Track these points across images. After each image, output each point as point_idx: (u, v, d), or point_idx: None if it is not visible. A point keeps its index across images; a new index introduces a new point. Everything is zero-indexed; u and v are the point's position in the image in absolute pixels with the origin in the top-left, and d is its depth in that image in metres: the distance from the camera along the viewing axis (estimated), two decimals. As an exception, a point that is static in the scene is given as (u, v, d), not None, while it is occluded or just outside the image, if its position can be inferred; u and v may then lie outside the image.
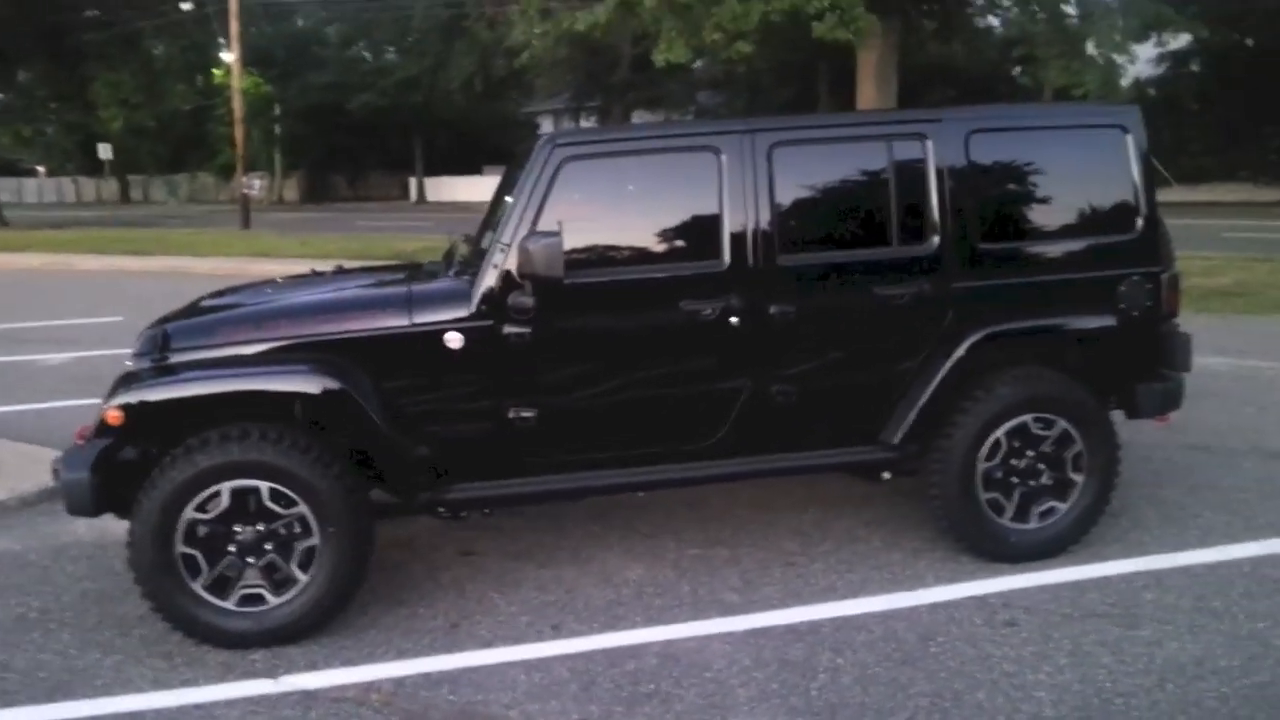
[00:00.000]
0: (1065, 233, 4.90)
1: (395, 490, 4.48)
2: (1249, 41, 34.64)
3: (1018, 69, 37.48)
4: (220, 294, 5.32)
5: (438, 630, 4.34)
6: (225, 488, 4.04)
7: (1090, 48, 20.99)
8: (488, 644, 4.20)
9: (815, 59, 32.78)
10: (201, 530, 4.05)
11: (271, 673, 3.99)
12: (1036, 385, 4.72)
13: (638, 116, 43.25)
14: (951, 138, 4.73)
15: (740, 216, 4.53)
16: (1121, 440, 4.93)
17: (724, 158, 4.55)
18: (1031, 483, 4.79)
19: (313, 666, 4.04)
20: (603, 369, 4.54)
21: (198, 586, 4.08)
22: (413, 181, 55.54)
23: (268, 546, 4.12)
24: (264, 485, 4.07)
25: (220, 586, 4.11)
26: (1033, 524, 4.81)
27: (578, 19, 20.19)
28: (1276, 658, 3.91)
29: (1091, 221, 4.92)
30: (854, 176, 4.77)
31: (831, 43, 18.41)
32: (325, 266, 6.13)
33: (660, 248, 4.63)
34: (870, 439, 4.78)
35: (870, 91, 21.26)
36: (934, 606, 4.42)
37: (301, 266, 12.75)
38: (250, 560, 4.12)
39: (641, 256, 4.61)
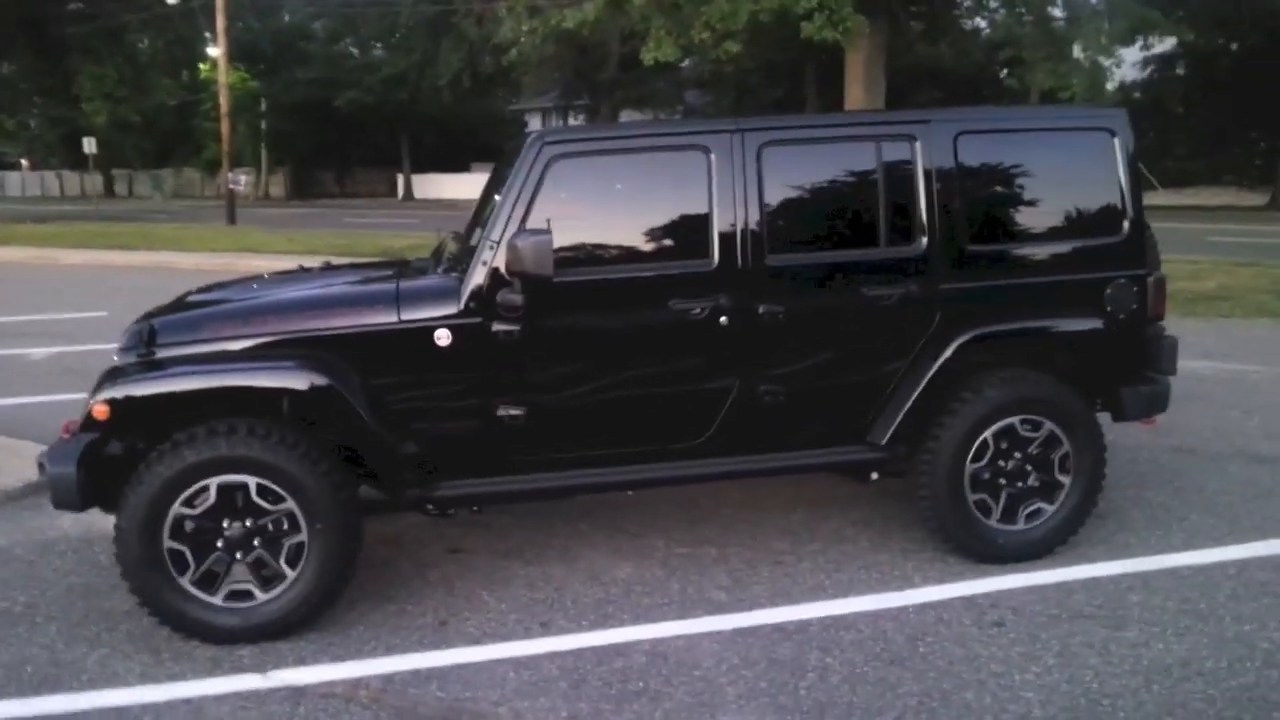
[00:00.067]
0: (1052, 235, 4.92)
1: (383, 487, 4.47)
2: (1234, 45, 34.83)
3: (1004, 71, 37.59)
4: (207, 289, 5.30)
5: (426, 627, 4.33)
6: (213, 483, 4.03)
7: (1076, 50, 21.10)
8: (476, 641, 4.20)
9: (803, 59, 32.86)
10: (189, 525, 4.04)
11: (260, 668, 3.98)
12: (1024, 387, 4.74)
13: (625, 115, 43.23)
14: (940, 139, 4.74)
15: (729, 216, 4.53)
16: (1108, 443, 4.95)
17: (713, 157, 4.55)
18: (1019, 484, 4.81)
19: (301, 662, 4.03)
20: (591, 367, 4.54)
21: (185, 582, 4.07)
22: (400, 178, 55.48)
23: (255, 542, 4.11)
24: (252, 481, 4.06)
25: (208, 582, 4.10)
26: (1020, 525, 4.83)
27: (566, 16, 20.19)
28: (1262, 660, 3.93)
29: (1078, 224, 4.94)
30: (843, 177, 4.78)
31: (820, 43, 18.44)
32: (313, 263, 6.12)
33: (649, 246, 4.63)
34: (858, 439, 4.79)
35: (858, 92, 21.30)
36: (922, 607, 4.43)
37: (288, 263, 12.71)
38: (238, 556, 4.11)
39: (630, 255, 4.61)
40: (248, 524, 4.09)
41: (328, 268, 5.64)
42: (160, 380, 4.13)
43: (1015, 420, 4.73)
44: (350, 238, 24.08)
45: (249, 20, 54.68)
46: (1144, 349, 5.03)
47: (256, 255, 19.87)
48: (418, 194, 54.14)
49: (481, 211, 4.96)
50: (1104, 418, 5.05)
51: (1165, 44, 30.78)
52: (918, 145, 4.72)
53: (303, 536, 4.13)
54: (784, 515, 5.55)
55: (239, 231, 27.40)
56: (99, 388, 4.16)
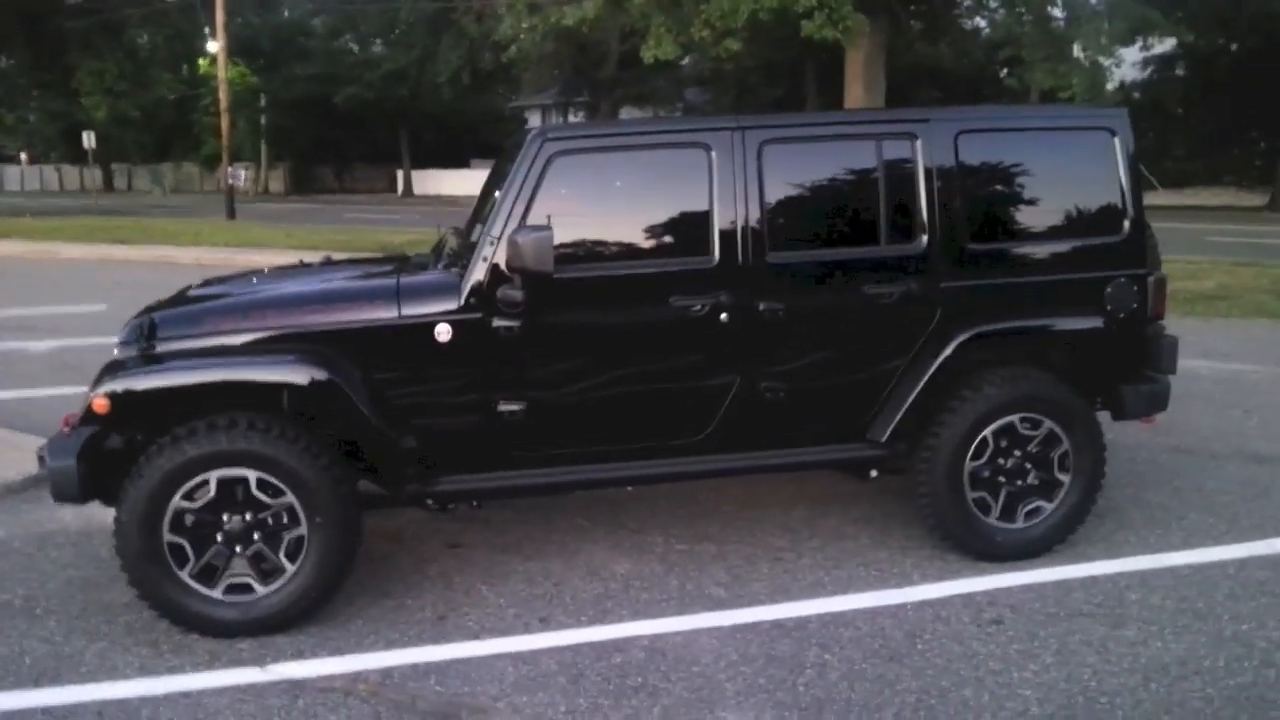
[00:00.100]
0: (1053, 234, 4.92)
1: (383, 482, 4.47)
2: (1233, 46, 34.84)
3: (1004, 71, 37.61)
4: (207, 284, 5.30)
5: (425, 621, 4.34)
6: (213, 477, 4.03)
7: (1076, 50, 21.10)
8: (475, 636, 4.20)
9: (803, 58, 32.83)
10: (189, 519, 4.04)
11: (259, 661, 3.98)
12: (1024, 385, 4.75)
13: (625, 113, 43.18)
14: (940, 138, 4.74)
15: (730, 213, 4.54)
16: (1107, 441, 4.96)
17: (714, 154, 4.55)
18: (1018, 482, 4.81)
19: (300, 656, 4.03)
20: (592, 363, 4.54)
21: (185, 575, 4.07)
22: (399, 174, 55.42)
23: (255, 536, 4.11)
24: (252, 474, 4.06)
25: (207, 575, 4.10)
26: (1019, 523, 4.83)
27: (566, 14, 20.19)
28: (1260, 659, 3.94)
29: (1079, 223, 4.94)
30: (843, 175, 4.78)
31: (820, 41, 18.43)
32: (313, 258, 6.12)
33: (650, 243, 4.63)
34: (858, 437, 4.80)
35: (858, 91, 21.29)
36: (921, 604, 4.44)
37: (287, 258, 12.70)
38: (237, 549, 4.11)
39: (631, 252, 4.61)
40: (247, 518, 4.10)
41: (328, 263, 5.63)
42: (160, 374, 4.13)
43: (1015, 418, 4.74)
44: (350, 233, 24.08)
45: (249, 15, 54.71)
46: (1144, 348, 5.04)
47: (256, 250, 19.87)
48: (417, 190, 54.10)
49: (482, 207, 4.96)
50: (1104, 416, 5.06)
51: (1165, 44, 30.80)
52: (918, 144, 4.72)
53: (302, 530, 4.13)
54: (783, 512, 5.56)
55: (238, 226, 27.41)
56: (99, 381, 4.15)
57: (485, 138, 52.82)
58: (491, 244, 4.36)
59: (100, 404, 4.04)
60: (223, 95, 33.02)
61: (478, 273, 4.37)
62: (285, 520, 4.12)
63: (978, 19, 29.52)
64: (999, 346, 4.86)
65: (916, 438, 4.75)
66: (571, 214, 4.44)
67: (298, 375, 4.12)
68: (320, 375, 4.12)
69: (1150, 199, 5.26)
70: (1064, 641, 4.09)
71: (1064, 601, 4.45)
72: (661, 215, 4.64)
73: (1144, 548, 5.03)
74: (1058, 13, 21.93)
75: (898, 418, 4.69)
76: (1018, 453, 4.79)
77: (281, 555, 4.14)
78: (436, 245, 5.43)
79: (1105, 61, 20.76)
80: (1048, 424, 4.78)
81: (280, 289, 4.73)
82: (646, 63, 20.67)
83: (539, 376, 4.46)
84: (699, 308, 4.50)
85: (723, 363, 4.59)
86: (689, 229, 4.59)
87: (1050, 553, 4.88)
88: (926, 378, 4.67)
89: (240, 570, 4.13)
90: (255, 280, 5.19)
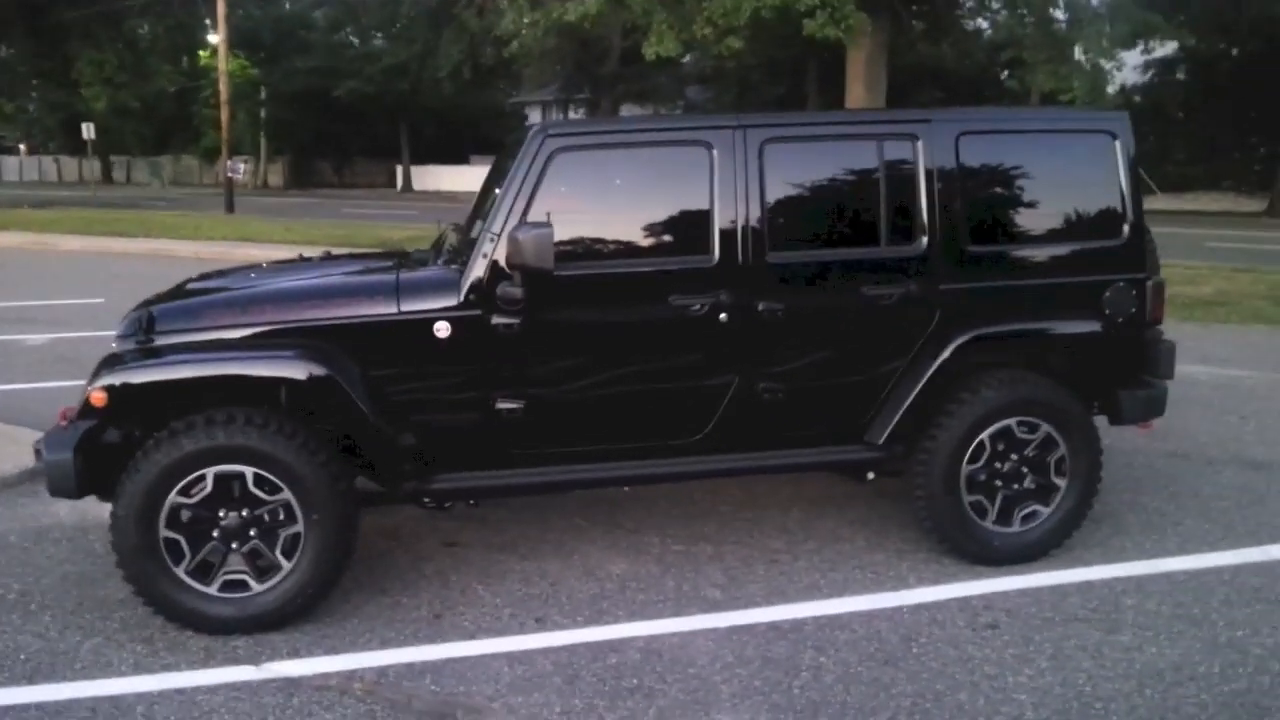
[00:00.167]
0: (1053, 237, 4.92)
1: (380, 479, 4.46)
2: (1234, 51, 34.83)
3: (1005, 72, 37.58)
4: (206, 277, 5.29)
5: (421, 620, 4.33)
6: (210, 472, 4.02)
7: (1078, 53, 21.08)
8: (471, 635, 4.20)
9: (805, 56, 32.80)
10: (185, 515, 4.03)
11: (254, 659, 3.98)
12: (1022, 389, 4.75)
13: (626, 110, 43.14)
14: (942, 139, 4.74)
15: (730, 212, 4.53)
16: (1104, 446, 4.96)
17: (715, 153, 4.54)
18: (1015, 486, 4.81)
19: (295, 654, 4.03)
20: (591, 362, 4.53)
21: (180, 571, 4.07)
22: (399, 169, 55.35)
23: (252, 532, 4.11)
24: (249, 471, 4.05)
25: (203, 571, 4.10)
26: (1015, 527, 4.83)
27: (567, 9, 20.13)
28: (1255, 665, 3.94)
29: (1079, 226, 4.94)
30: (844, 175, 4.77)
31: (821, 40, 18.41)
32: (312, 252, 6.11)
33: (650, 242, 4.63)
34: (856, 439, 4.79)
35: (859, 90, 21.27)
36: (916, 607, 4.43)
37: (286, 252, 12.71)
38: (234, 546, 4.10)
39: (631, 250, 4.61)
40: (244, 514, 4.09)
41: (327, 258, 5.63)
42: (158, 368, 4.12)
43: (1012, 422, 4.74)
44: (349, 228, 24.06)
45: (250, 8, 54.59)
46: (1142, 353, 5.03)
47: (254, 244, 19.87)
48: (416, 185, 54.04)
49: (482, 204, 4.95)
50: (1101, 421, 5.05)
51: (1166, 48, 30.73)
52: (919, 145, 4.71)
53: (299, 527, 4.12)
54: (780, 514, 5.56)
55: (237, 220, 27.38)
56: (97, 374, 4.15)
57: (485, 133, 52.79)
58: (492, 240, 4.35)
59: (98, 397, 4.03)
60: (223, 87, 32.95)
61: (478, 269, 4.36)
62: (282, 517, 4.12)
63: (980, 20, 29.53)
64: (997, 349, 4.86)
65: (914, 440, 4.75)
66: (572, 211, 4.43)
67: (296, 370, 4.12)
68: (318, 371, 4.11)
69: (1149, 203, 5.26)
70: (1059, 646, 4.09)
71: (1060, 606, 4.44)
72: (662, 213, 4.63)
73: (1140, 553, 5.03)
74: (1060, 15, 21.93)
75: (895, 420, 4.69)
76: (1014, 456, 4.79)
77: (278, 552, 4.14)
78: (436, 241, 5.43)
79: (1106, 64, 20.75)
80: (1045, 428, 4.77)
81: (279, 283, 4.71)
82: (648, 59, 20.64)
83: (538, 374, 4.46)
84: (698, 307, 4.49)
85: (721, 363, 4.58)
86: (689, 227, 4.58)
87: (1046, 557, 4.87)
88: (925, 380, 4.67)
89: (236, 567, 4.12)
90: (254, 274, 5.18)
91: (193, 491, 4.03)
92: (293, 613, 4.18)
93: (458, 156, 52.91)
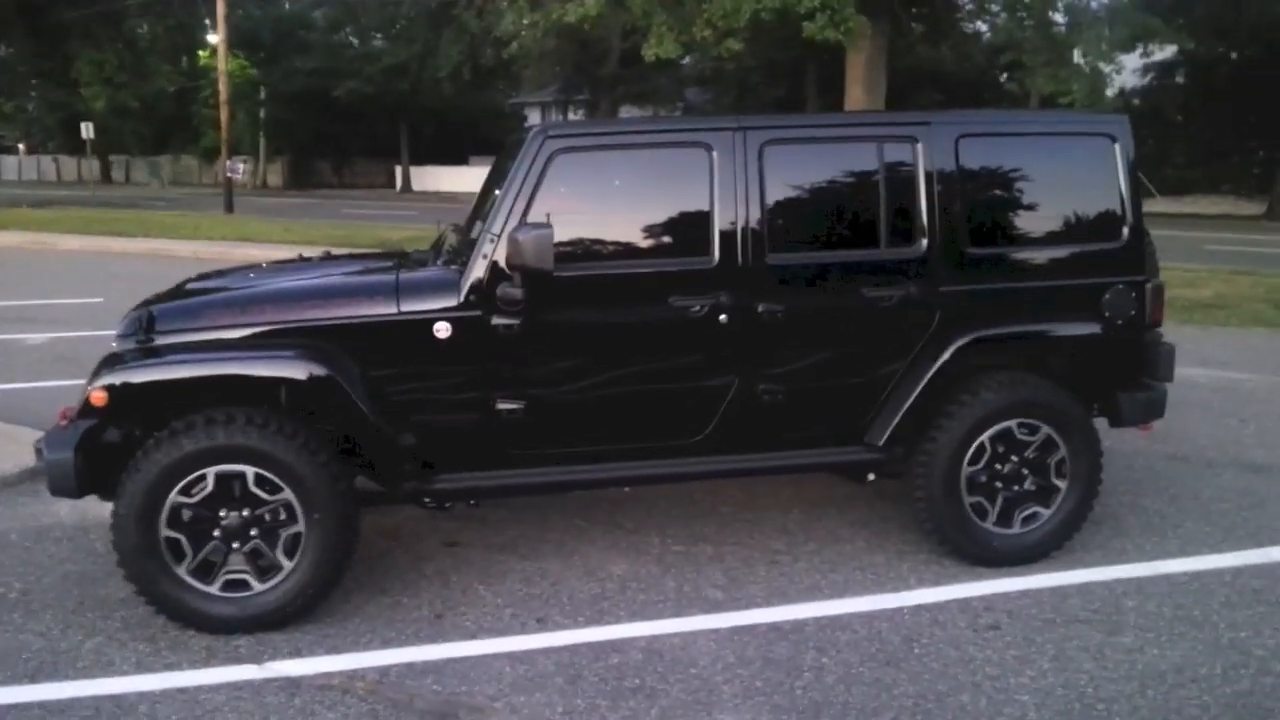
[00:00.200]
0: (1052, 239, 4.92)
1: (381, 479, 4.47)
2: (1234, 55, 34.87)
3: (1005, 75, 37.63)
4: (206, 277, 5.29)
5: (422, 620, 4.34)
6: (210, 472, 4.02)
7: (1077, 56, 21.12)
8: (472, 635, 4.20)
9: (804, 58, 32.82)
10: (186, 514, 4.04)
11: (256, 658, 3.98)
12: (1022, 391, 4.75)
13: (625, 111, 43.16)
14: (941, 141, 4.74)
15: (730, 214, 4.53)
16: (1104, 448, 4.97)
17: (715, 154, 4.55)
18: (1015, 488, 4.82)
19: (297, 653, 4.03)
20: (590, 363, 4.53)
21: (182, 571, 4.07)
22: (398, 170, 55.33)
23: (252, 532, 4.11)
24: (249, 470, 4.05)
25: (204, 571, 4.10)
26: (1016, 529, 4.84)
27: (567, 11, 20.13)
28: (1257, 667, 3.94)
29: (1078, 229, 4.95)
30: (844, 177, 4.78)
31: (821, 43, 18.43)
32: (311, 252, 6.12)
33: (650, 243, 4.64)
34: (856, 440, 4.80)
35: (859, 93, 21.30)
36: (917, 608, 4.44)
37: (285, 252, 12.70)
38: (235, 545, 4.10)
39: (631, 251, 4.61)
40: (245, 514, 4.09)
41: (327, 258, 5.63)
42: (158, 367, 4.12)
43: (1013, 424, 4.74)
44: (348, 228, 24.06)
45: (249, 8, 54.56)
46: (1141, 355, 5.04)
47: (254, 244, 19.87)
48: (416, 186, 54.02)
49: (482, 204, 4.96)
50: (1101, 423, 5.06)
51: (1165, 52, 30.80)
52: (919, 147, 4.72)
53: (300, 527, 4.12)
54: (781, 515, 5.56)
55: (237, 220, 27.37)
56: (97, 374, 4.15)
57: (485, 134, 52.74)
58: (492, 241, 4.36)
59: (98, 397, 4.03)
60: (222, 87, 32.92)
61: (477, 270, 4.36)
62: (283, 517, 4.12)
63: (979, 23, 29.60)
64: (997, 351, 4.86)
65: (914, 442, 4.75)
66: (572, 212, 4.44)
67: (296, 370, 4.12)
68: (319, 371, 4.11)
69: (1148, 207, 5.27)
70: (1061, 648, 4.09)
71: (1061, 608, 4.45)
72: (662, 215, 4.64)
73: (1140, 555, 5.04)
74: (1059, 18, 21.97)
75: (895, 421, 4.70)
76: (1015, 458, 4.79)
77: (279, 552, 4.14)
78: (436, 242, 5.43)
79: (1106, 68, 20.81)
80: (1045, 430, 4.78)
81: (279, 284, 4.72)
82: (647, 61, 20.65)
83: (538, 375, 4.46)
84: (698, 308, 4.50)
85: (721, 364, 4.59)
86: (689, 229, 4.58)
87: (1047, 559, 4.88)
88: (924, 382, 4.67)
89: (237, 566, 4.12)
90: (254, 274, 5.18)
91: (193, 491, 4.03)
92: (294, 612, 4.18)
93: (457, 157, 52.89)
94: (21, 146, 70.44)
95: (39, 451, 4.22)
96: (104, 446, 4.18)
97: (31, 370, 8.98)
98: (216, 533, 4.08)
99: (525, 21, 22.11)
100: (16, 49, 40.32)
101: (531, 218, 4.32)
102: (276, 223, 25.81)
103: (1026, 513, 4.84)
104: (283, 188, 56.21)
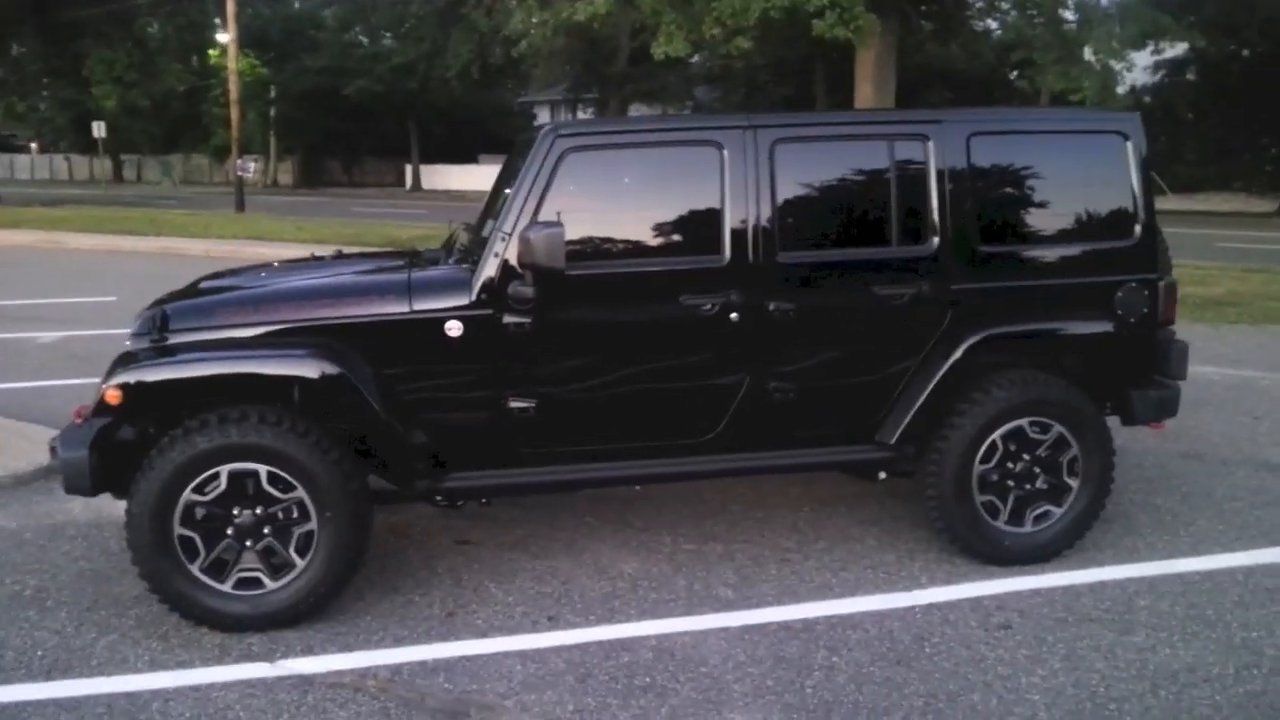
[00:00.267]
0: (1064, 237, 4.91)
1: (393, 477, 4.48)
2: (1245, 52, 34.74)
3: (1015, 73, 37.50)
4: (219, 276, 5.31)
5: (434, 618, 4.35)
6: (224, 470, 4.04)
7: (1088, 54, 21.05)
8: (484, 634, 4.21)
9: (813, 56, 32.79)
10: (199, 512, 4.06)
11: (268, 656, 3.99)
12: (1034, 389, 4.74)
13: (634, 109, 43.15)
14: (953, 139, 4.74)
15: (741, 212, 4.53)
16: (1116, 446, 4.95)
17: (726, 153, 4.55)
18: (1027, 486, 4.81)
19: (309, 651, 4.04)
20: (602, 361, 4.54)
21: (195, 569, 4.08)
22: (408, 168, 55.39)
23: (265, 530, 4.12)
24: (262, 469, 4.07)
25: (217, 569, 4.12)
26: (1027, 528, 4.83)
27: (576, 9, 20.14)
28: (1269, 666, 3.93)
29: (1090, 227, 4.94)
30: (855, 175, 4.77)
31: (830, 41, 18.41)
32: (322, 251, 6.13)
33: (661, 241, 4.64)
34: (867, 438, 4.79)
35: (868, 91, 21.27)
36: (929, 607, 4.43)
37: (297, 251, 12.73)
38: (248, 544, 4.12)
39: (642, 250, 4.61)
40: (258, 512, 4.11)
41: (339, 257, 5.64)
42: (172, 366, 4.13)
43: (1024, 422, 4.73)
44: (358, 227, 24.10)
45: (259, 7, 54.66)
46: (1154, 353, 5.03)
47: (265, 243, 19.92)
48: (425, 185, 54.06)
49: (493, 203, 4.97)
50: (1113, 421, 5.05)
51: (1176, 49, 30.65)
52: (930, 145, 4.71)
53: (312, 525, 4.14)
54: (791, 513, 5.56)
55: (247, 218, 27.43)
56: (111, 372, 4.16)
57: (494, 132, 52.78)
58: (503, 240, 4.36)
59: (113, 395, 4.05)
60: (233, 87, 32.97)
61: (489, 269, 4.37)
62: (295, 515, 4.13)
63: (989, 20, 29.49)
64: (1009, 349, 4.85)
65: (925, 440, 4.75)
66: (583, 211, 4.44)
67: (309, 369, 4.13)
68: (331, 369, 4.13)
69: (1160, 204, 5.24)
70: (1072, 647, 4.08)
71: (1072, 607, 4.44)
72: (673, 213, 4.64)
73: (1153, 554, 5.03)
74: (1069, 15, 21.90)
75: (907, 420, 4.69)
76: (1027, 457, 4.78)
77: (291, 550, 4.15)
78: (447, 240, 5.44)
79: (1116, 65, 20.73)
80: (1057, 428, 4.77)
81: (292, 282, 4.73)
82: (656, 59, 20.66)
83: (549, 373, 4.47)
84: (709, 306, 4.50)
85: (732, 362, 4.59)
86: (700, 227, 4.58)
87: (1059, 557, 4.87)
88: (936, 380, 4.67)
89: (250, 564, 4.14)
90: (266, 274, 5.20)
91: (207, 489, 4.04)
92: (306, 610, 4.19)
93: (467, 156, 52.96)
94: (34, 146, 70.64)
95: (54, 450, 4.24)
96: (118, 445, 4.20)
97: (44, 369, 9.01)
98: (230, 531, 4.10)
99: (534, 20, 22.13)
100: (28, 48, 40.40)
101: (543, 216, 4.33)
102: (287, 221, 25.86)
103: (1038, 511, 4.83)
104: (293, 186, 56.35)
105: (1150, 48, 25.40)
